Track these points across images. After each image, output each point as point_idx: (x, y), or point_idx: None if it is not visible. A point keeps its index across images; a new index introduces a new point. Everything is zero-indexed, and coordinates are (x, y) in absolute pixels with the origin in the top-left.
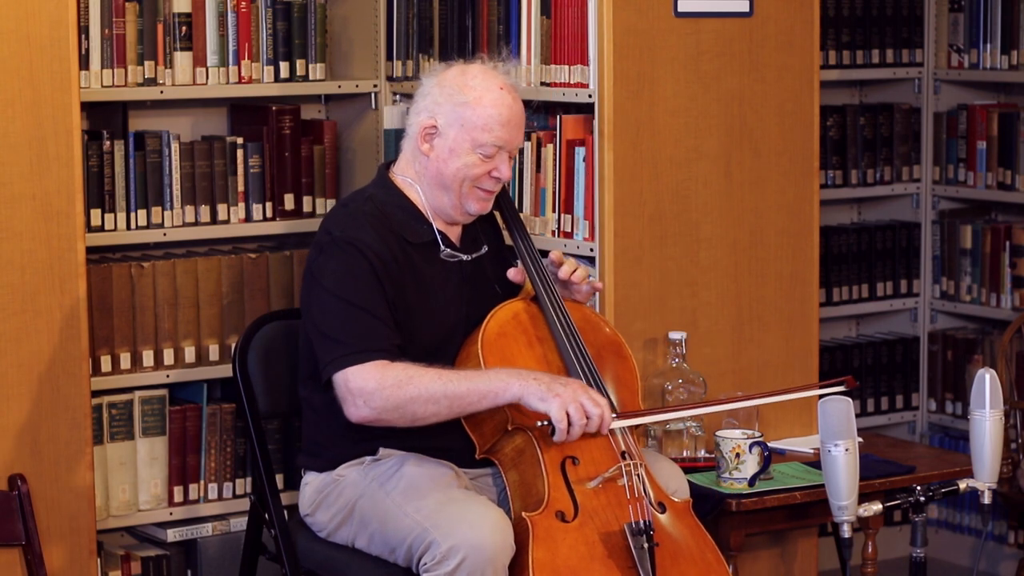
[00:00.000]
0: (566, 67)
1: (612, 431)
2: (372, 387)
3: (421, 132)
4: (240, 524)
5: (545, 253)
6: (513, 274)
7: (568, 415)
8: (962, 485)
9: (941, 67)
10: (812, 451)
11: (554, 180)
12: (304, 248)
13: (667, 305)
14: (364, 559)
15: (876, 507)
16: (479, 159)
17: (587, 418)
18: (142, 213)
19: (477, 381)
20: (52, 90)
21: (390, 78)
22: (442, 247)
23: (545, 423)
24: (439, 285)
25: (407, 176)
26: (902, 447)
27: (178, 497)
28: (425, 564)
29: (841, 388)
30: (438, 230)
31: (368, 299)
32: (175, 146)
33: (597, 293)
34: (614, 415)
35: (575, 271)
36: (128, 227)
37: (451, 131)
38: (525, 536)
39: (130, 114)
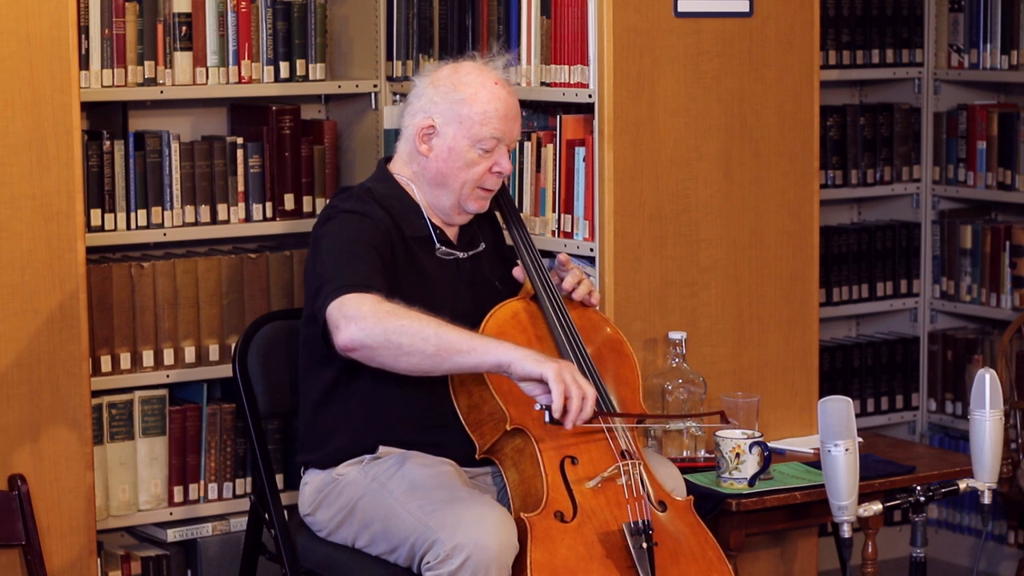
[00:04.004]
0: (566, 67)
1: (612, 430)
2: (367, 311)
3: (418, 133)
4: (240, 524)
5: (546, 253)
6: (517, 272)
7: (564, 382)
8: (962, 485)
9: (941, 67)
10: (812, 451)
11: (554, 180)
12: (304, 248)
13: (667, 305)
14: (364, 559)
15: (876, 507)
16: (479, 155)
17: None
18: (142, 213)
19: (470, 334)
20: (52, 90)
21: (390, 78)
22: (438, 244)
23: (542, 407)
24: (435, 281)
25: (403, 175)
26: (902, 447)
27: (178, 497)
28: (428, 563)
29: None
30: (435, 226)
31: (368, 253)
32: (175, 146)
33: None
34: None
35: (575, 288)
36: (128, 227)
37: (449, 129)
38: (524, 537)
39: (130, 114)
